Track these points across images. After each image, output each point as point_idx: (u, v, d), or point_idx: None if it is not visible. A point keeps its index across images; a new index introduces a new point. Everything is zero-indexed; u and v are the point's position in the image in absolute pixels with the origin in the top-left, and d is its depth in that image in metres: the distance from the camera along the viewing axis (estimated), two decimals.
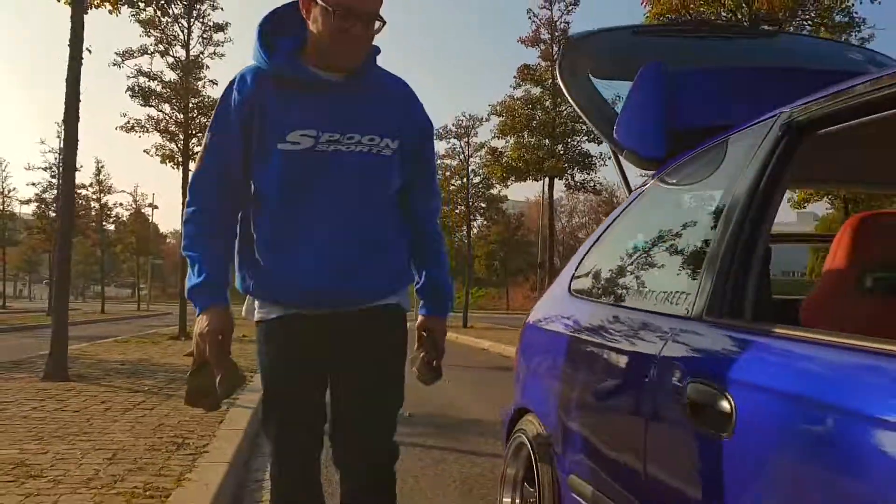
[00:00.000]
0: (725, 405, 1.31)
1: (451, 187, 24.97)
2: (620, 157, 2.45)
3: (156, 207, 45.81)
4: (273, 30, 1.84)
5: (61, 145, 31.67)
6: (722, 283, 1.54)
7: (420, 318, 2.04)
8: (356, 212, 1.82)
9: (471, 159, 24.95)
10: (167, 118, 14.44)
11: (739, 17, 9.55)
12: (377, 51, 1.85)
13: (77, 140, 7.54)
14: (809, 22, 10.48)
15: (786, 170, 1.60)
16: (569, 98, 2.70)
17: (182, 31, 14.50)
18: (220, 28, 14.85)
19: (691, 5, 9.57)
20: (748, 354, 1.38)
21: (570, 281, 2.44)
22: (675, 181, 2.14)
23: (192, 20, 14.50)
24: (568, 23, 20.44)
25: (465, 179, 25.04)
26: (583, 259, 2.46)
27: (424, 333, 2.02)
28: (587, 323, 2.15)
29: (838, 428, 1.09)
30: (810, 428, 1.15)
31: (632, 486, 1.66)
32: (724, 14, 9.73)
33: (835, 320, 1.52)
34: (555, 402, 2.21)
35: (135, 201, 40.79)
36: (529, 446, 2.31)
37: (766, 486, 1.23)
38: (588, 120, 2.63)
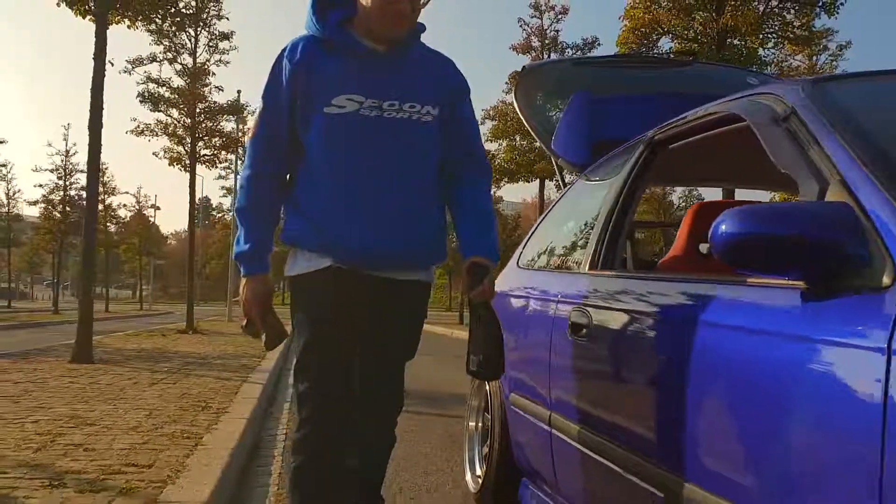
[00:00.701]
0: (584, 320, 2.07)
1: None
2: (556, 163, 3.22)
3: (158, 209, 46.64)
4: (324, 3, 1.92)
5: (67, 147, 32.33)
6: (600, 248, 2.30)
7: (470, 261, 2.01)
8: (396, 178, 1.89)
9: None
10: (175, 123, 15.22)
11: (708, 30, 10.33)
12: (422, 28, 1.95)
13: (100, 144, 8.29)
14: (774, 35, 11.26)
15: (646, 173, 2.35)
16: (521, 117, 3.47)
17: (189, 40, 15.31)
18: (226, 37, 15.66)
19: (663, 20, 10.35)
20: (607, 289, 2.14)
21: (519, 256, 3.20)
22: (590, 179, 2.90)
23: (199, 29, 15.29)
24: (557, 31, 21.25)
25: None
26: (528, 240, 3.22)
27: (475, 274, 2.00)
28: (523, 284, 2.91)
29: (657, 329, 1.82)
30: (639, 329, 1.89)
31: (544, 386, 2.42)
32: (696, 27, 10.51)
33: (677, 273, 2.28)
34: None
35: (137, 202, 41.71)
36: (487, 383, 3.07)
37: (610, 370, 1.99)
38: (535, 135, 3.40)
